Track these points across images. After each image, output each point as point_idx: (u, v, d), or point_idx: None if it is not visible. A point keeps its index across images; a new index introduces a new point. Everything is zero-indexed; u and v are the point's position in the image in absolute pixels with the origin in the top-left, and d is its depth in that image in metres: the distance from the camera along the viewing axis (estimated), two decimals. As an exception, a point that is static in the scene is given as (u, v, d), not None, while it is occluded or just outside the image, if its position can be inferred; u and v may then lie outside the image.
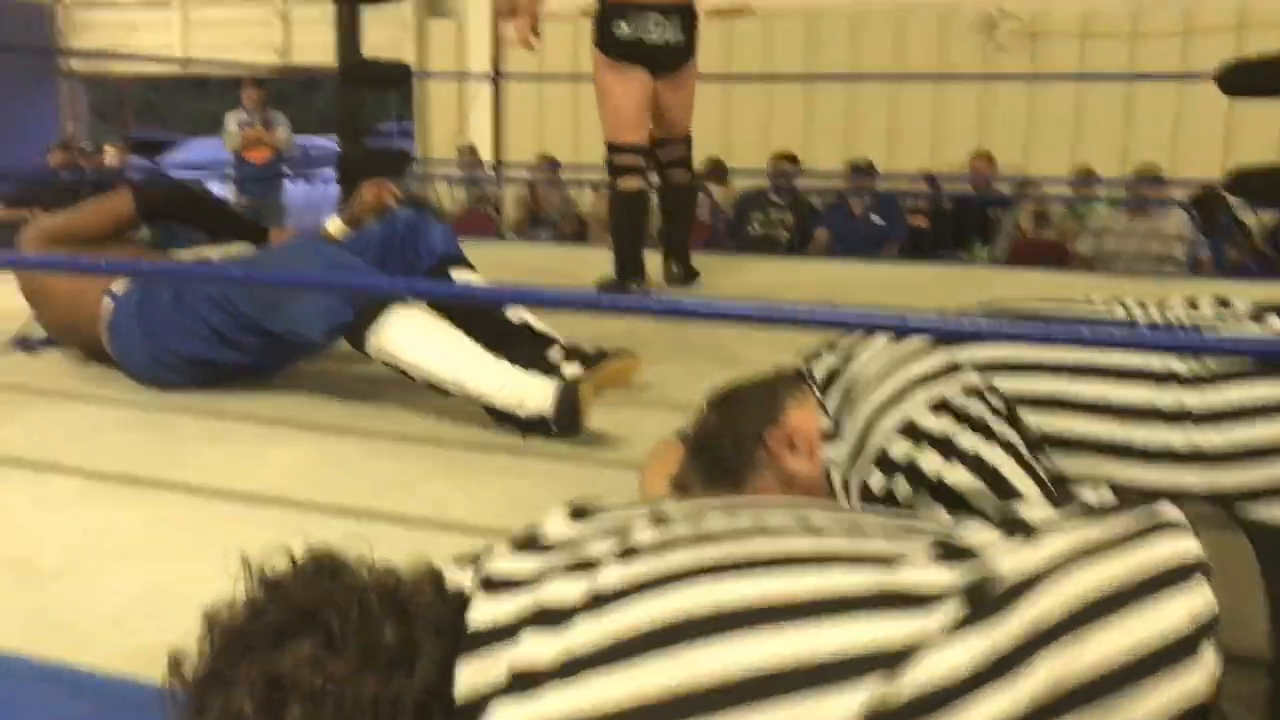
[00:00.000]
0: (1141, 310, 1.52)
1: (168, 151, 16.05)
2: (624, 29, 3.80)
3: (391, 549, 0.91)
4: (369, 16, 5.89)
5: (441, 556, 0.94)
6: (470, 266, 2.60)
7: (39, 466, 1.94)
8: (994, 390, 1.36)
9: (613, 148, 3.89)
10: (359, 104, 5.82)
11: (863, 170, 7.15)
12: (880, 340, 1.49)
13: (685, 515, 0.96)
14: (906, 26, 8.02)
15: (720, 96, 8.35)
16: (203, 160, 13.02)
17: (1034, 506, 0.99)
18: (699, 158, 8.15)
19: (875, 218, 7.05)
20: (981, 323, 1.39)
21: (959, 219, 7.26)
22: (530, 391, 2.15)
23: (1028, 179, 7.26)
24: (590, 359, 2.47)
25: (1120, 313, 1.51)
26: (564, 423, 2.14)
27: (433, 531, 1.68)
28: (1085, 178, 6.92)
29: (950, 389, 1.36)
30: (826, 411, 1.47)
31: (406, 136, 11.31)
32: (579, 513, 1.00)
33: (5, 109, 9.87)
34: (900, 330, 1.44)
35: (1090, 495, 1.01)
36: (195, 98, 19.76)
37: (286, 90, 11.25)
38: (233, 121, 9.04)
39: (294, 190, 10.09)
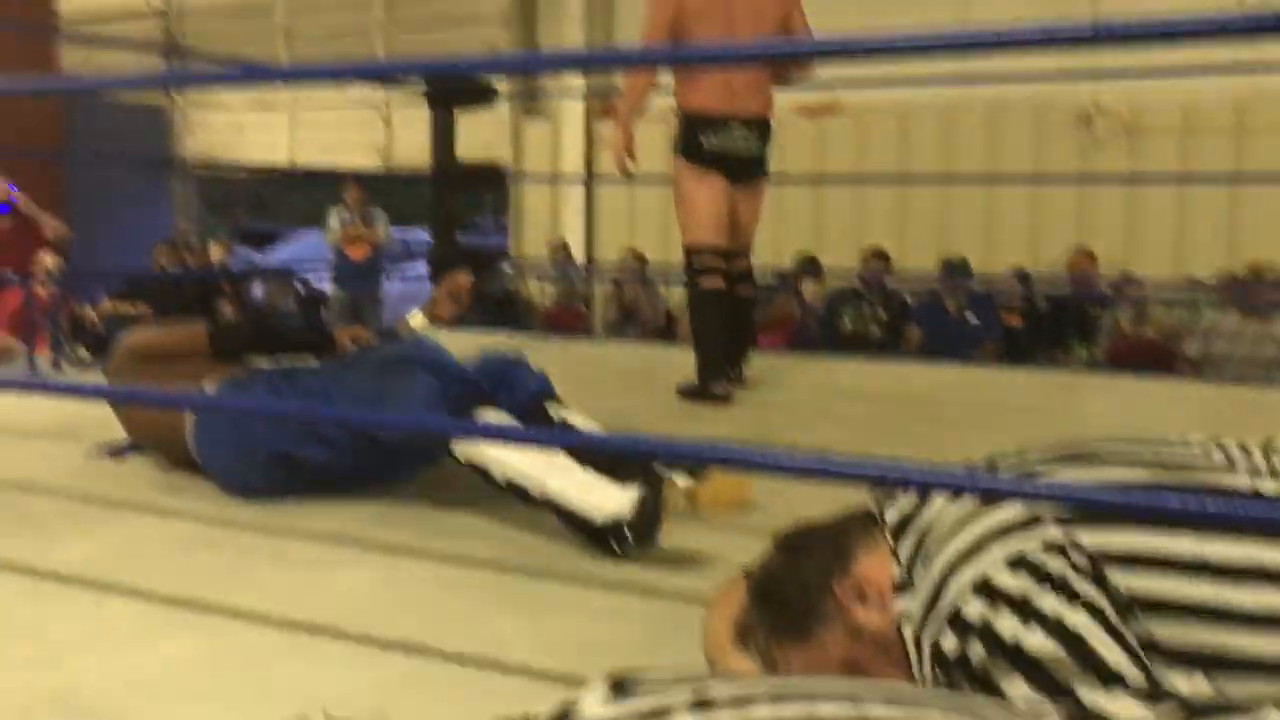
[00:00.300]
0: (1244, 456, 1.40)
1: (275, 244, 16.64)
2: (712, 141, 3.90)
3: (450, 692, 0.85)
4: (468, 117, 6.05)
5: (498, 704, 0.88)
6: (564, 405, 2.59)
7: (101, 587, 1.93)
8: (1078, 546, 1.26)
9: (694, 250, 3.96)
10: (452, 203, 5.94)
11: (956, 267, 7.03)
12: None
13: (731, 701, 0.89)
14: (1000, 122, 7.94)
15: (812, 192, 8.35)
16: (305, 254, 13.48)
17: (1118, 698, 0.90)
18: (791, 252, 8.19)
19: (970, 316, 6.91)
20: (1061, 487, 1.28)
21: (1057, 318, 7.08)
22: (611, 494, 2.10)
23: (1128, 277, 7.06)
24: (699, 471, 2.42)
25: (1218, 458, 1.39)
26: (640, 532, 2.08)
27: (493, 674, 1.61)
28: (1192, 282, 6.71)
29: (1030, 544, 1.26)
30: (899, 559, 1.38)
31: (502, 232, 11.53)
32: (619, 686, 0.94)
33: (123, 206, 10.32)
34: (968, 489, 1.35)
35: (1183, 684, 0.90)
36: (302, 191, 20.47)
37: (390, 183, 11.54)
38: (334, 218, 9.29)
39: (391, 283, 10.34)
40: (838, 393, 4.20)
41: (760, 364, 4.99)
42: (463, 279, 2.98)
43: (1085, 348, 7.11)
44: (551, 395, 2.57)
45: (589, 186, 9.00)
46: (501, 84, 9.31)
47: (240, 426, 2.50)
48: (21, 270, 6.67)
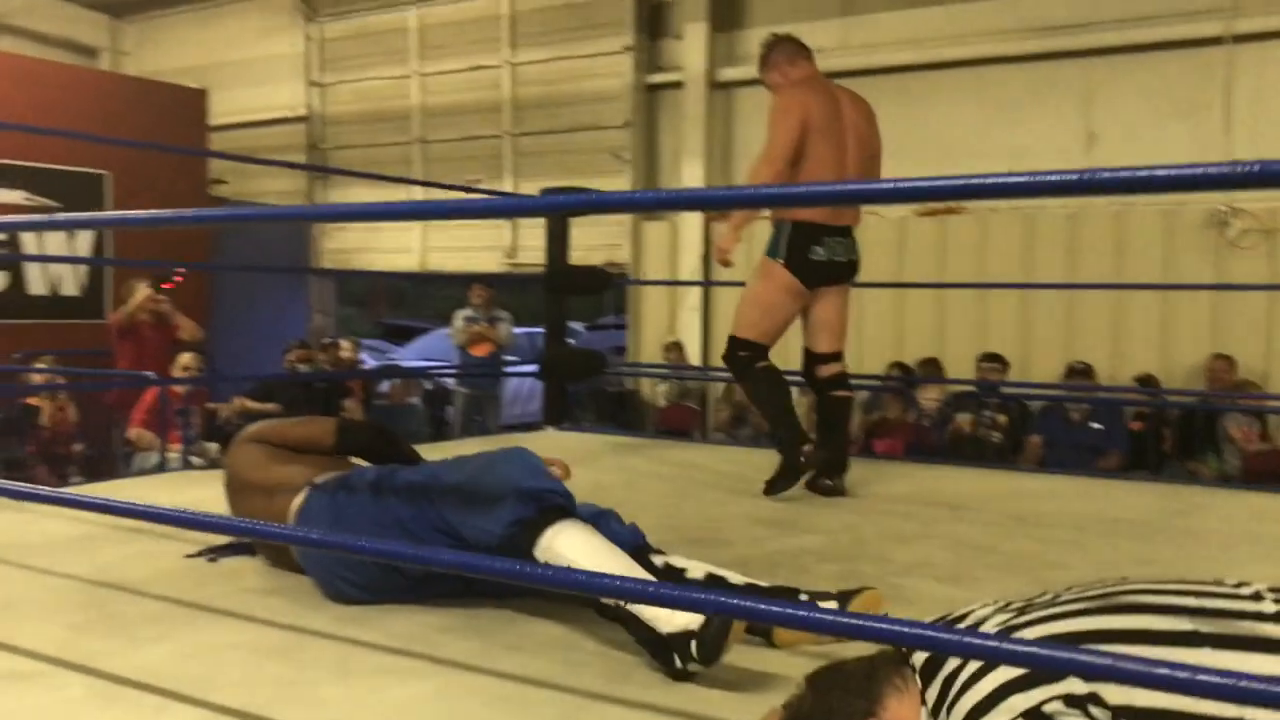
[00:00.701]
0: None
1: (414, 339, 17.11)
2: (820, 253, 4.06)
3: None
4: (590, 218, 6.17)
5: None
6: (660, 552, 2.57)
7: (165, 694, 1.97)
8: (1100, 701, 1.18)
9: (745, 344, 4.11)
10: (563, 306, 6.04)
11: (1079, 373, 6.82)
12: (984, 624, 1.34)
13: None
14: (1128, 221, 7.73)
15: (933, 294, 8.23)
16: (434, 350, 13.82)
17: None
18: (911, 355, 8.06)
19: (1094, 424, 6.67)
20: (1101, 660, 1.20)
21: (1187, 427, 6.78)
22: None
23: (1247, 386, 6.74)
24: (826, 595, 2.38)
25: (1270, 607, 1.30)
26: (706, 648, 2.03)
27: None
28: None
29: (1051, 697, 1.19)
30: (925, 703, 1.33)
31: (620, 329, 11.67)
32: None
33: (264, 300, 10.81)
34: (982, 654, 1.28)
35: None
36: (441, 286, 21.12)
37: (519, 282, 11.84)
38: (459, 318, 9.56)
39: (512, 381, 10.54)
40: (945, 504, 4.08)
41: (870, 469, 4.92)
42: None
43: (1217, 459, 6.79)
44: (644, 544, 2.55)
45: (707, 287, 9.06)
46: (624, 183, 9.53)
47: (342, 523, 2.57)
48: (160, 369, 7.03)
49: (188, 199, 9.70)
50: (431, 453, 3.24)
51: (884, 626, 1.22)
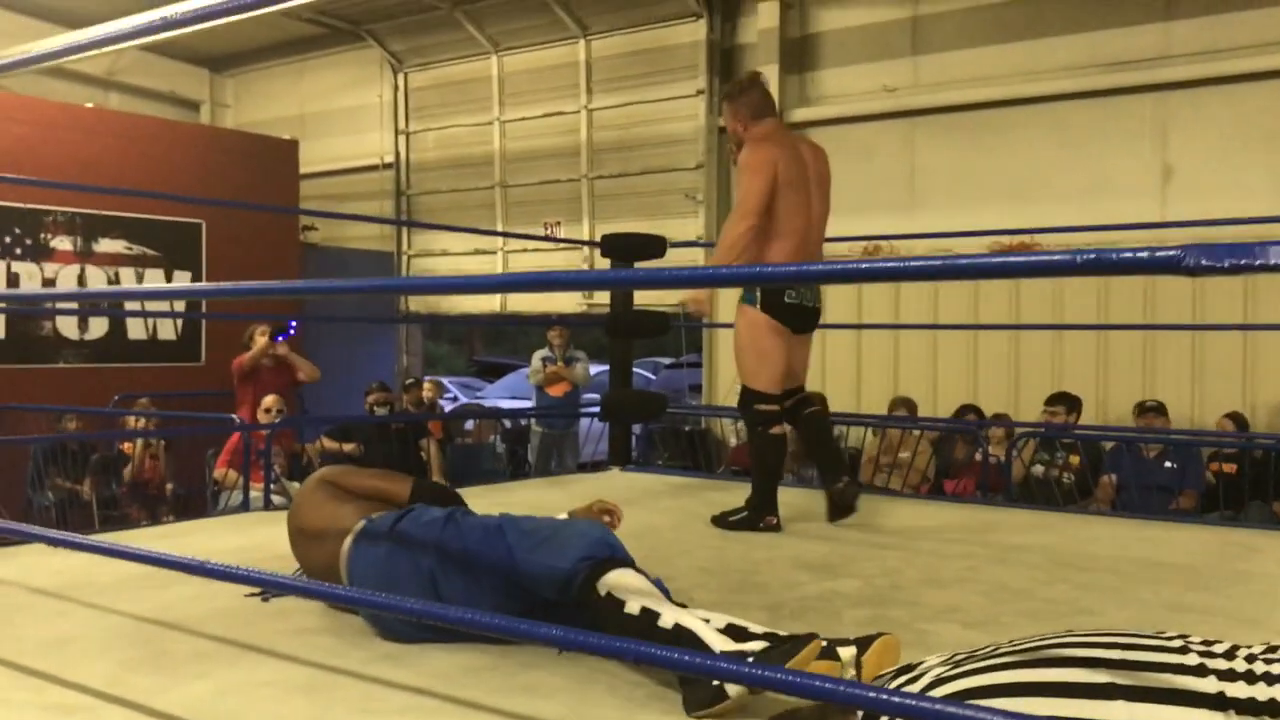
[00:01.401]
0: (1226, 659, 1.33)
1: (505, 375, 17.44)
2: (792, 295, 4.36)
3: None
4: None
5: None
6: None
7: (195, 730, 2.12)
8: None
9: (761, 397, 4.38)
10: (627, 348, 6.16)
11: (1151, 411, 6.70)
12: (925, 675, 1.40)
13: None
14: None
15: (1010, 337, 8.18)
16: (516, 389, 14.07)
17: None
18: (985, 399, 8.00)
19: (1169, 464, 6.54)
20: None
21: (1267, 468, 6.59)
22: (741, 647, 2.20)
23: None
24: (845, 642, 2.43)
25: (1193, 660, 1.33)
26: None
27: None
28: None
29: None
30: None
31: (697, 368, 11.77)
32: None
33: (353, 342, 11.15)
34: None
35: None
36: (530, 327, 21.48)
37: (596, 321, 12.00)
38: (537, 359, 9.75)
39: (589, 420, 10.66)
40: (994, 546, 4.09)
41: (933, 510, 4.94)
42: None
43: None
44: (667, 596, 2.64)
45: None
46: (698, 223, 9.66)
47: (389, 559, 2.69)
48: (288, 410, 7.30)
49: (279, 246, 10.09)
50: (503, 493, 3.35)
51: (799, 681, 1.30)
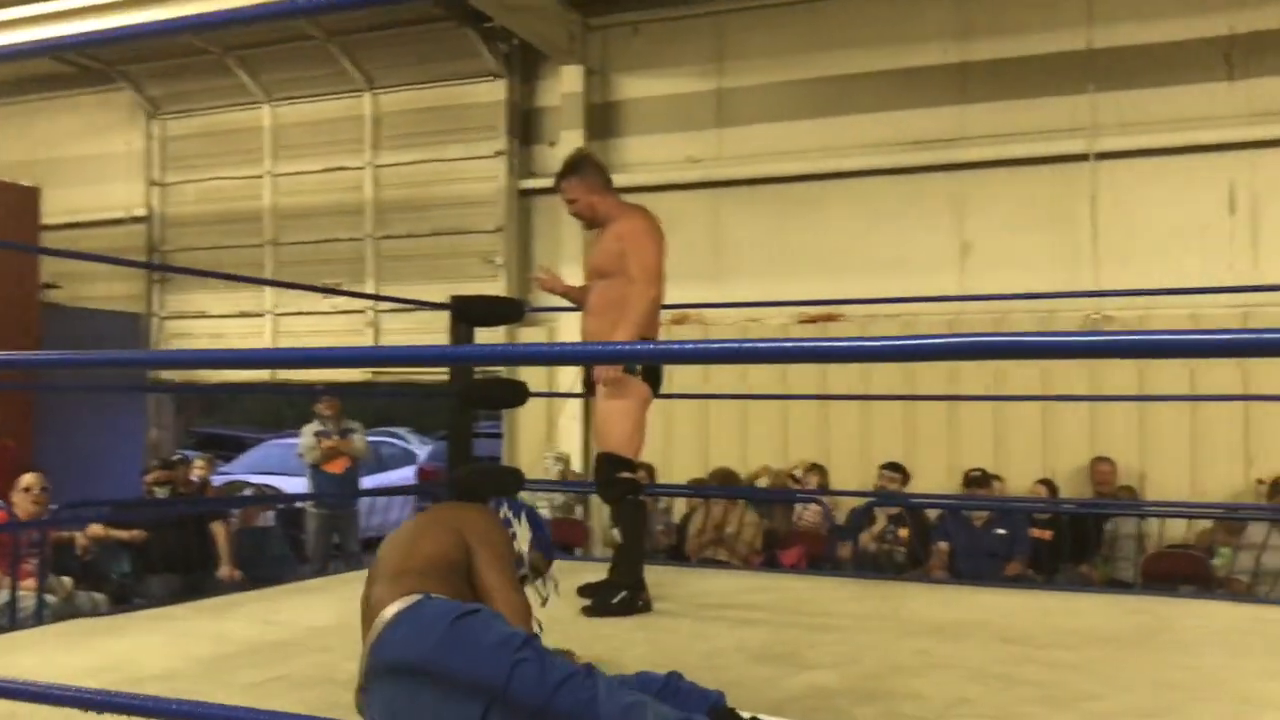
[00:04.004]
0: None
1: (240, 452, 16.15)
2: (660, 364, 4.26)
3: None
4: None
5: None
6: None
7: None
8: None
9: (624, 462, 4.18)
10: (468, 419, 5.69)
11: (977, 481, 6.87)
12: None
13: None
14: (1005, 328, 7.89)
15: (819, 406, 8.23)
16: (268, 463, 13.01)
17: None
18: (797, 461, 8.01)
19: (999, 530, 6.70)
20: None
21: (1081, 531, 6.88)
22: None
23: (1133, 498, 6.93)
24: None
25: None
26: None
27: None
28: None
29: None
30: None
31: (488, 438, 11.29)
32: None
33: (95, 414, 9.95)
34: None
35: None
36: (256, 396, 20.11)
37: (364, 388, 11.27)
38: (309, 433, 8.99)
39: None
40: (915, 623, 3.94)
41: (788, 584, 4.80)
42: None
43: (1105, 563, 6.92)
44: (723, 704, 2.35)
45: (587, 399, 8.80)
46: (498, 288, 9.27)
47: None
48: (2, 494, 6.27)
49: (17, 304, 8.91)
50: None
51: None
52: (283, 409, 25.93)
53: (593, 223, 4.47)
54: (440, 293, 8.71)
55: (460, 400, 5.38)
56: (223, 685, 2.93)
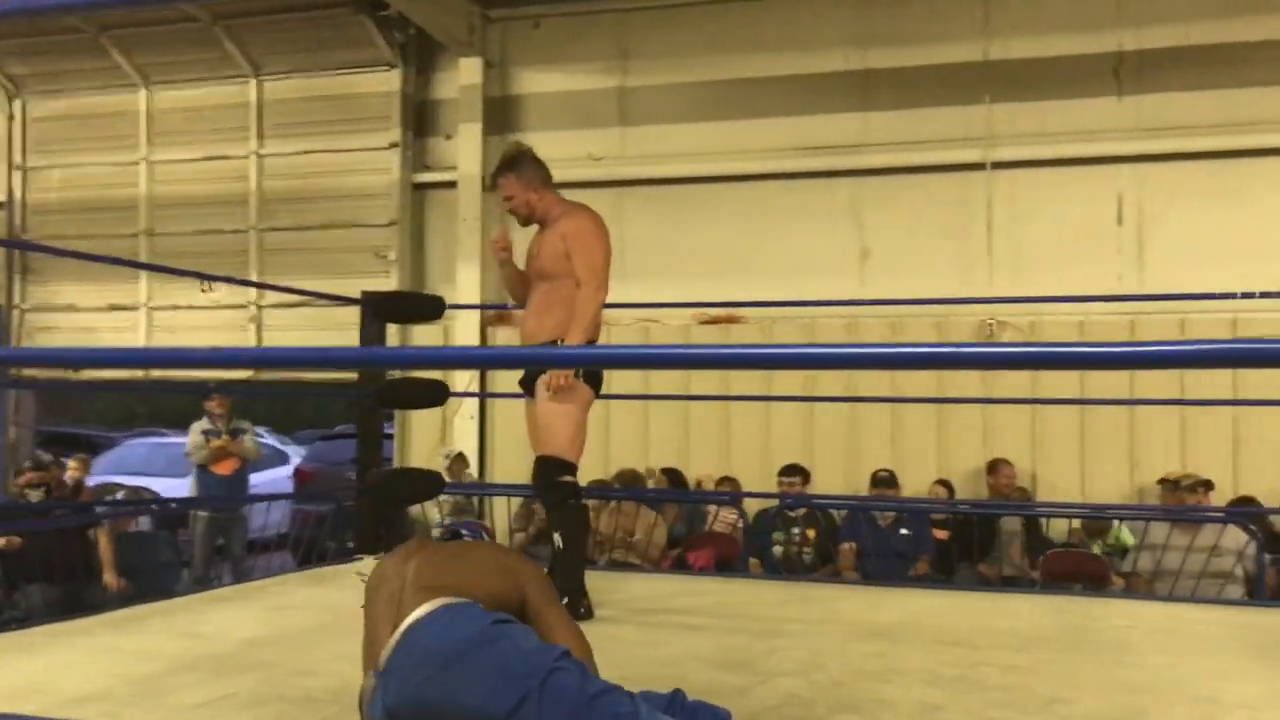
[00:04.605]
0: None
1: (98, 452, 15.36)
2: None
3: None
4: (354, 323, 5.63)
5: None
6: None
7: None
8: None
9: (566, 466, 4.06)
10: (379, 422, 5.50)
11: (884, 481, 6.95)
12: None
13: None
14: (903, 333, 8.05)
15: (721, 408, 8.23)
16: (133, 463, 12.36)
17: None
18: (698, 468, 8.00)
19: (904, 530, 6.79)
20: None
21: (979, 531, 7.01)
22: None
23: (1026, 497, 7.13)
24: None
25: None
26: None
27: None
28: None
29: None
30: None
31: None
32: None
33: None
34: None
35: None
36: (108, 393, 19.17)
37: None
38: (197, 432, 8.63)
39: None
40: (863, 627, 3.93)
41: (707, 586, 4.81)
42: None
43: (998, 562, 7.08)
44: None
45: (483, 400, 8.63)
46: (391, 283, 9.00)
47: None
48: None
49: None
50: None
51: None
52: (134, 406, 24.75)
53: (529, 220, 4.35)
54: (328, 288, 8.46)
55: (376, 400, 5.19)
56: (166, 707, 2.72)
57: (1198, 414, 7.44)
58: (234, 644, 3.46)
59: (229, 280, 6.60)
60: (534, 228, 4.35)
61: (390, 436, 9.36)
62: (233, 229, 9.60)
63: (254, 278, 9.45)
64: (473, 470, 8.49)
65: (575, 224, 4.15)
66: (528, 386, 4.29)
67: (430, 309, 5.19)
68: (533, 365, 3.97)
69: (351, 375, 9.04)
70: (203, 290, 6.30)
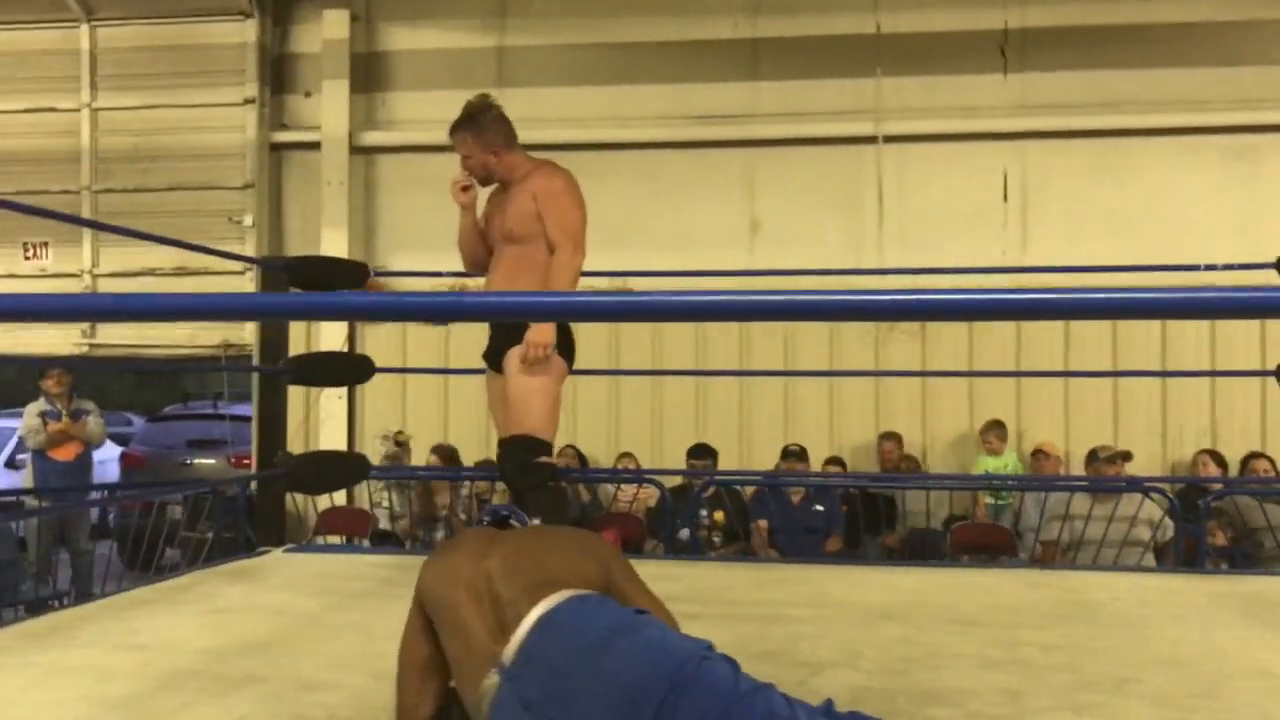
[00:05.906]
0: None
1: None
2: (571, 333, 3.88)
3: None
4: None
5: None
6: None
7: None
8: None
9: (542, 444, 3.77)
10: (283, 401, 5.02)
11: (795, 455, 6.85)
12: None
13: None
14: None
15: (609, 383, 7.98)
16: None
17: None
18: (585, 441, 7.72)
19: (817, 506, 6.70)
20: None
21: (871, 505, 7.02)
22: None
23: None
24: None
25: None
26: None
27: None
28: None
29: None
30: None
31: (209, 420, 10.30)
32: None
33: None
34: None
35: None
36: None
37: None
38: (33, 414, 7.79)
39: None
40: (859, 609, 3.76)
41: (676, 571, 4.52)
42: None
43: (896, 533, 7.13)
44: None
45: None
46: (247, 250, 8.32)
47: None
48: None
49: None
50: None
51: None
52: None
53: (487, 181, 4.02)
54: (175, 257, 7.78)
55: (293, 376, 4.70)
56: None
57: (1080, 385, 7.65)
58: (195, 655, 2.98)
59: (108, 229, 5.86)
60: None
61: (247, 419, 8.70)
62: (62, 189, 8.67)
63: (88, 243, 8.61)
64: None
65: (546, 183, 3.86)
66: (494, 360, 3.93)
67: (356, 275, 4.72)
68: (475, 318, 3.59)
69: (211, 347, 8.44)
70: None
